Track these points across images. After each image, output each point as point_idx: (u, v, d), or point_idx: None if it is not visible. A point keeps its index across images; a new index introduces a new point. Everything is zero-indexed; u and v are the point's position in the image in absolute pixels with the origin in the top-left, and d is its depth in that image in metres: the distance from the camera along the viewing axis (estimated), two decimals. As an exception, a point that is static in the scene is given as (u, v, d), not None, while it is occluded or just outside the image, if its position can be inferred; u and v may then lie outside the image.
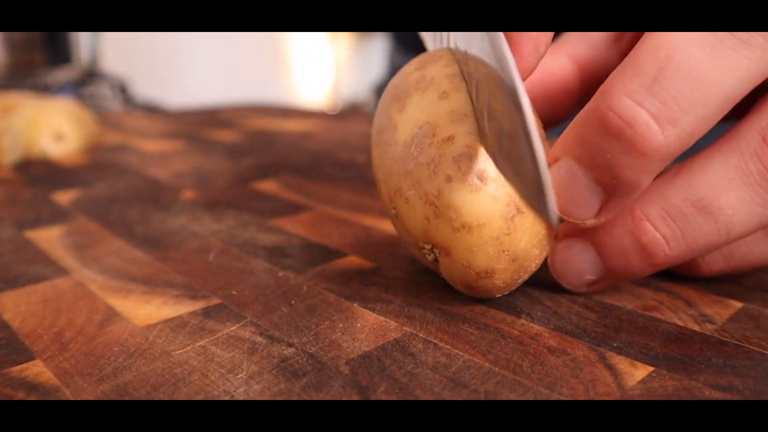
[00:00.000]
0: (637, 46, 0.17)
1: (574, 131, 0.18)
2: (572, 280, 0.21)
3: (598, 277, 0.21)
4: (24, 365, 0.18)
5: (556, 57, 0.25)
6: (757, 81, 0.17)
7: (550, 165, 0.18)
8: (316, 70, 2.36)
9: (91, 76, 0.84)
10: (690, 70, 0.16)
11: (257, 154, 0.46)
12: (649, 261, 0.20)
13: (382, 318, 0.21)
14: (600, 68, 0.25)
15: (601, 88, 0.17)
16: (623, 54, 0.24)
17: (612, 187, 0.18)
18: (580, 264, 0.21)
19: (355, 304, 0.21)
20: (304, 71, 2.32)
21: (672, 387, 0.17)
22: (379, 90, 0.78)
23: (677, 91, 0.16)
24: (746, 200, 0.18)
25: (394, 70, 0.76)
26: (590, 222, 0.19)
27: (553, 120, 0.25)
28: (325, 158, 0.45)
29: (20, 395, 0.17)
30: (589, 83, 0.25)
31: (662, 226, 0.19)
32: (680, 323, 0.20)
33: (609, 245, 0.20)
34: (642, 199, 0.19)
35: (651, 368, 0.18)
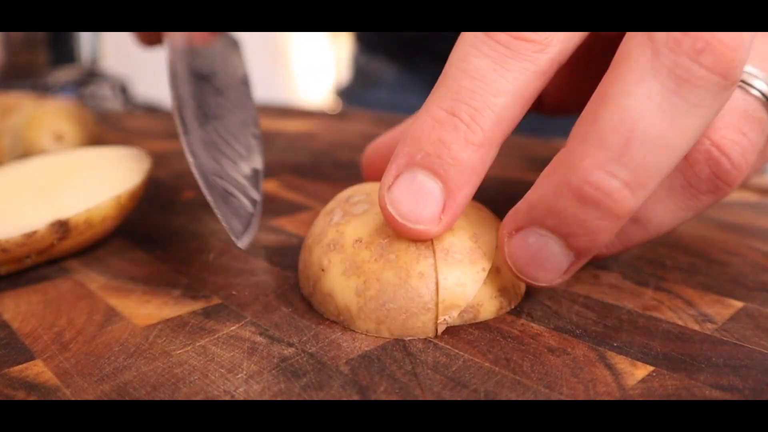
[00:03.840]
0: (593, 114, 0.17)
1: (543, 203, 0.18)
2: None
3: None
4: (24, 365, 0.18)
5: None
6: (704, 131, 0.18)
7: (508, 235, 0.19)
8: (316, 70, 2.36)
9: (91, 76, 0.84)
10: (654, 140, 0.17)
11: (257, 154, 0.46)
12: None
13: (382, 318, 0.20)
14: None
15: (565, 159, 0.18)
16: None
17: (585, 250, 0.18)
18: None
19: (355, 304, 0.21)
20: (304, 71, 2.32)
21: (672, 386, 0.17)
22: (343, 93, 0.78)
23: (644, 160, 0.17)
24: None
25: (358, 71, 0.75)
26: (556, 282, 0.19)
27: None
28: (325, 158, 0.44)
29: (20, 395, 0.17)
30: None
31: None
32: (680, 323, 0.20)
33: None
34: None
35: (651, 368, 0.18)
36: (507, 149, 0.47)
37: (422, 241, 0.20)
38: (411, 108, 0.30)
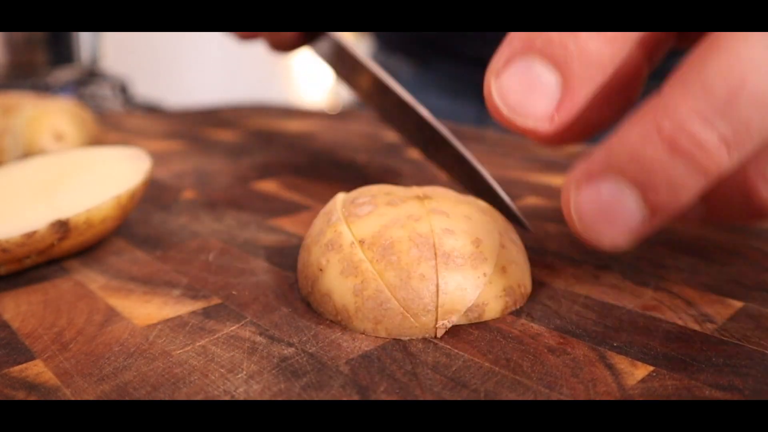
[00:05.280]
0: (701, 60, 0.16)
1: (626, 149, 0.16)
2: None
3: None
4: (24, 365, 0.18)
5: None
6: None
7: (577, 185, 0.17)
8: (316, 70, 2.36)
9: (91, 76, 0.84)
10: (764, 97, 0.15)
11: (257, 154, 0.46)
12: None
13: (382, 318, 0.20)
14: (660, 47, 0.22)
15: (659, 105, 0.16)
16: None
17: (662, 207, 0.16)
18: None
19: (355, 304, 0.21)
20: (304, 71, 2.32)
21: (672, 386, 0.17)
22: None
23: (749, 117, 0.15)
24: None
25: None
26: (621, 244, 0.17)
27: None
28: (325, 158, 0.44)
29: (20, 395, 0.17)
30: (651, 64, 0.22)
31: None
32: (680, 323, 0.20)
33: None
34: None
35: (651, 368, 0.18)
36: (507, 149, 0.47)
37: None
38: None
